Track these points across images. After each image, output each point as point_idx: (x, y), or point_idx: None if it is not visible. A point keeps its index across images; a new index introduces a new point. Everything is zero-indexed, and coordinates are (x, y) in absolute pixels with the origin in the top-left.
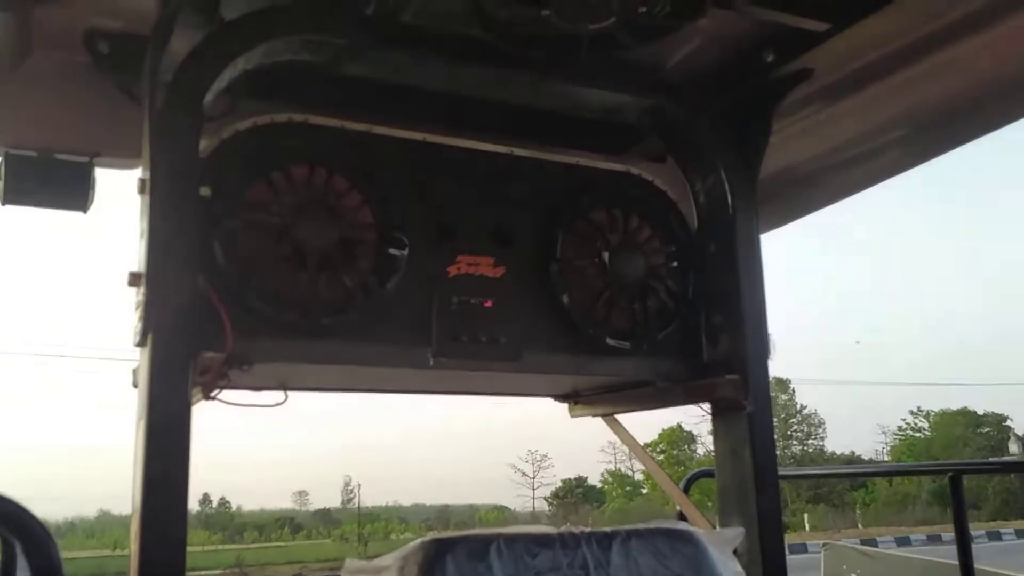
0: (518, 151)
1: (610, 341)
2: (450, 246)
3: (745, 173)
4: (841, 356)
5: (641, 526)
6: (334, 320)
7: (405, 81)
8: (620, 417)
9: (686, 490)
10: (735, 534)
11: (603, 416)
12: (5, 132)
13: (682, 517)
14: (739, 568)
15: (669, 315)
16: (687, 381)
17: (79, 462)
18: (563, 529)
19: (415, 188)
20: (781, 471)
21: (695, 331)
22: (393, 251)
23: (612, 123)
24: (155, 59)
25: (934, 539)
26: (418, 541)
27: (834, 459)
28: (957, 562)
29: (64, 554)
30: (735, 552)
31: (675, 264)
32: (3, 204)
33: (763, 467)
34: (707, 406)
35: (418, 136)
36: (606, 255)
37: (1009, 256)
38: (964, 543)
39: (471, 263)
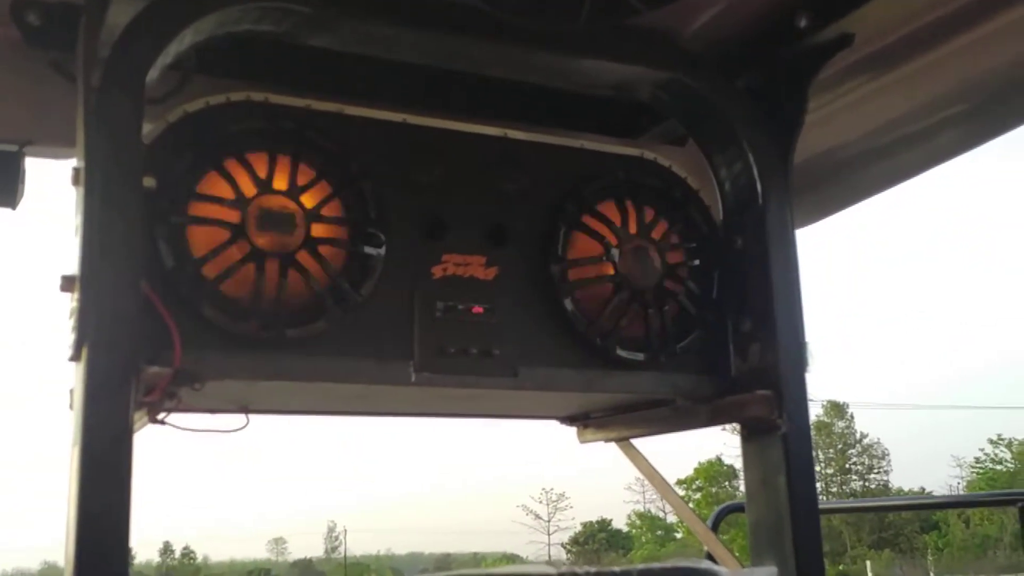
0: (513, 134)
1: (621, 353)
2: (435, 244)
3: (777, 157)
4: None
5: (656, 565)
6: (300, 331)
7: (381, 54)
8: (641, 443)
9: (715, 527)
10: (766, 574)
11: (617, 441)
12: None
13: (710, 558)
14: None
15: (690, 322)
16: (712, 399)
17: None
18: (564, 569)
19: (394, 177)
20: (822, 504)
21: (720, 341)
22: (368, 250)
23: (622, 101)
24: (91, 31)
25: None
26: None
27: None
28: None
29: None
30: None
31: (696, 263)
32: None
33: (801, 497)
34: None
35: (397, 117)
36: (616, 253)
37: None
38: None
39: (459, 263)
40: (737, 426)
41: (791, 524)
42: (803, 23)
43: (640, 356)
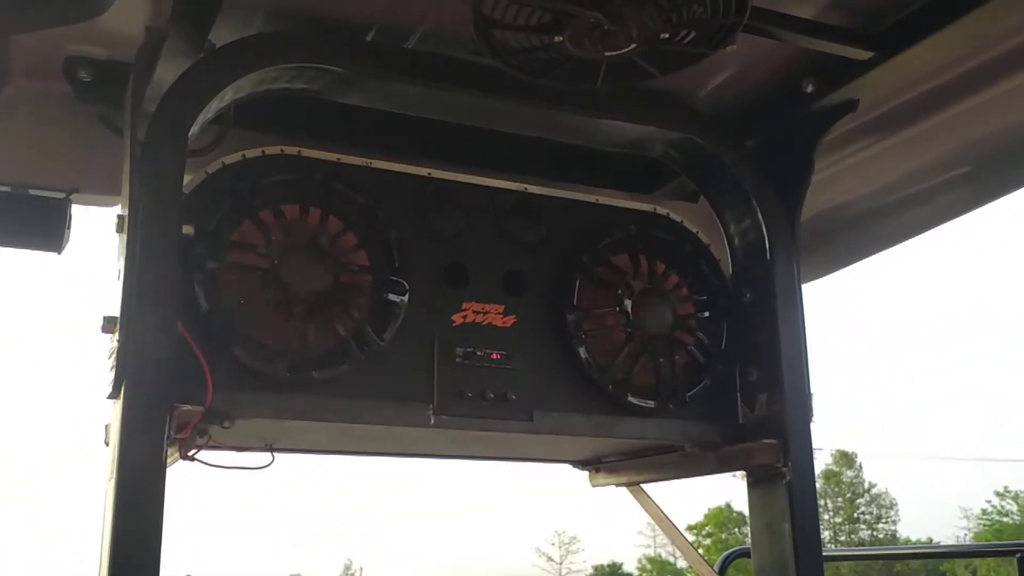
0: (532, 188)
1: (632, 400)
2: (455, 292)
3: (785, 215)
4: (918, 428)
5: None
6: (325, 373)
7: (408, 112)
8: (652, 488)
9: (722, 572)
10: None
11: (627, 486)
12: None
13: None
14: None
15: (699, 372)
16: (720, 446)
17: None
18: None
19: (417, 228)
20: (826, 551)
21: (728, 390)
22: (392, 297)
23: (636, 158)
24: (138, 88)
25: None
26: None
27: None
28: None
29: None
30: None
31: (706, 315)
32: None
33: (805, 544)
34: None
35: (422, 171)
36: (629, 304)
37: None
38: None
39: (478, 311)
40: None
41: (795, 570)
42: (810, 88)
43: (651, 403)
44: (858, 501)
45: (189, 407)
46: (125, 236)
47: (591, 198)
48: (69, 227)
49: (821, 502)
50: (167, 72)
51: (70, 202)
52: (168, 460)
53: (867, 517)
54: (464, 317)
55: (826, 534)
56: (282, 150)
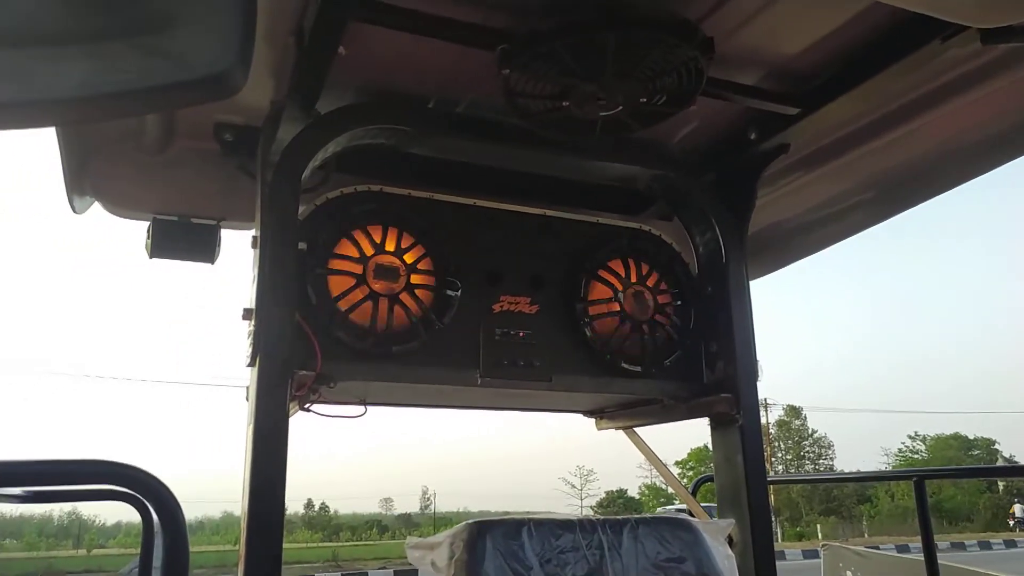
0: (550, 212)
1: (624, 366)
2: (495, 288)
3: (736, 229)
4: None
5: (648, 516)
6: (401, 347)
7: (459, 158)
8: (644, 431)
9: (694, 492)
10: (726, 524)
11: (624, 429)
12: (152, 201)
13: (691, 515)
14: (729, 552)
15: (673, 345)
16: (689, 399)
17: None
18: (582, 516)
19: (467, 242)
20: (769, 478)
21: (696, 358)
22: (449, 292)
23: (627, 189)
24: (266, 145)
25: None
26: (464, 523)
27: None
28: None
29: (193, 548)
30: (729, 540)
31: (679, 303)
32: (150, 257)
33: (753, 471)
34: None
35: (469, 201)
36: (621, 296)
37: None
38: (928, 541)
39: (512, 302)
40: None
41: (746, 490)
42: (753, 136)
43: (638, 368)
44: (804, 444)
45: (305, 372)
46: (257, 251)
47: (594, 219)
48: (219, 245)
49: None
50: (286, 133)
51: (219, 227)
52: (290, 412)
53: (811, 455)
54: (501, 306)
55: (779, 468)
56: (368, 187)
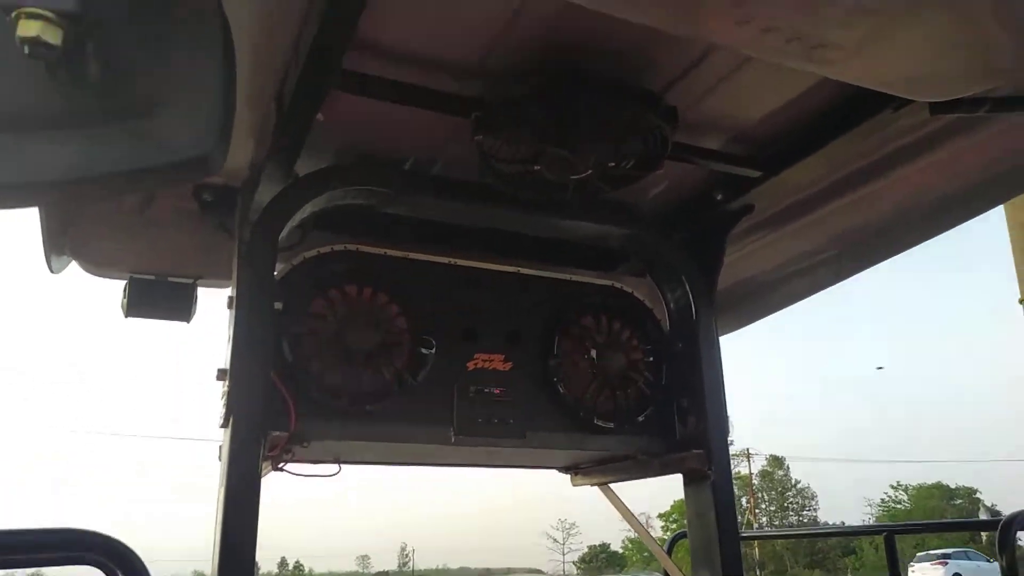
0: (524, 270)
1: (598, 422)
2: (470, 346)
3: (706, 286)
4: (836, 436)
5: None
6: (376, 406)
7: (434, 218)
8: (630, 484)
9: (669, 550)
10: None
11: (599, 485)
12: (130, 260)
13: (665, 574)
14: None
15: (646, 401)
16: (662, 455)
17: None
18: (556, 572)
19: (442, 300)
20: (743, 533)
21: (668, 414)
22: (423, 350)
23: (599, 248)
24: (245, 205)
25: None
26: None
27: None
28: None
29: None
30: None
31: (651, 359)
32: (126, 316)
33: (725, 528)
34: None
35: (444, 260)
36: (594, 352)
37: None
38: None
39: (486, 359)
40: None
41: (719, 547)
42: (719, 197)
43: (611, 424)
44: (787, 494)
45: (278, 432)
46: (233, 311)
47: (567, 276)
48: (195, 303)
49: (759, 495)
50: (264, 194)
51: (196, 286)
52: (263, 472)
53: (794, 506)
54: (476, 364)
55: (763, 519)
56: (345, 247)
